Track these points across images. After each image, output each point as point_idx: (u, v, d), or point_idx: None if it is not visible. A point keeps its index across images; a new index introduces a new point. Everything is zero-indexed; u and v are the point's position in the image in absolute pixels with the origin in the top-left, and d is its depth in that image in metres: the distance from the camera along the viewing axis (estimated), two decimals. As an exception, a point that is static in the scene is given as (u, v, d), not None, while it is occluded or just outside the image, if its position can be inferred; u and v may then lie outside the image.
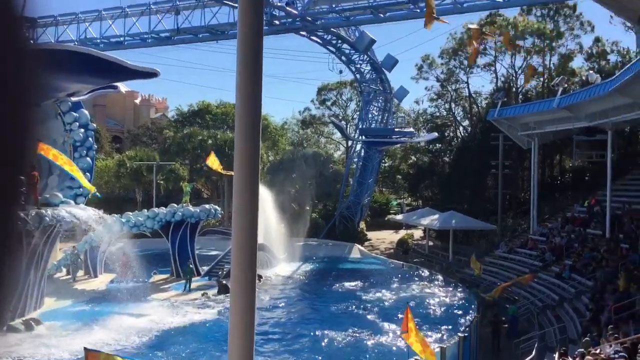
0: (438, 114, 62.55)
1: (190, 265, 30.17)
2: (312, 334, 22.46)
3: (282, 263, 38.10)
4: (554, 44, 52.91)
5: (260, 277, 31.16)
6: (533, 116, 35.92)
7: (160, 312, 24.86)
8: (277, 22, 39.52)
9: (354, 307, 27.27)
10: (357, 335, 22.34)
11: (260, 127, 2.69)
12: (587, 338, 16.33)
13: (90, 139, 28.58)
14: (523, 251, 34.17)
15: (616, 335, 15.15)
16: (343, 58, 48.36)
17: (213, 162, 31.18)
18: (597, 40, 52.53)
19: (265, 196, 34.27)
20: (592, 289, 23.36)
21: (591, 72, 38.23)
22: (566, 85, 38.29)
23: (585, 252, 27.91)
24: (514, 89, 54.06)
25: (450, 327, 23.55)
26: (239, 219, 2.64)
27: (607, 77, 30.66)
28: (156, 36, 42.78)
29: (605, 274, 23.62)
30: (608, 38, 53.07)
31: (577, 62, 54.25)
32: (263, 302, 26.91)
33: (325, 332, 22.38)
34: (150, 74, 20.24)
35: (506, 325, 23.33)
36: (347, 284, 32.77)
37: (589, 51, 52.98)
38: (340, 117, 69.28)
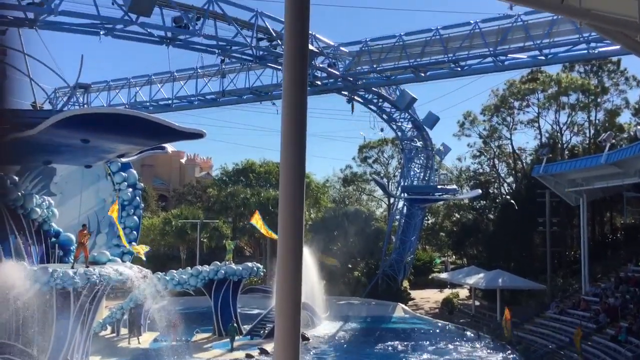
0: (481, 170, 61.95)
1: (234, 324, 30.01)
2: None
3: (324, 322, 37.51)
4: (598, 100, 52.27)
5: (306, 337, 30.64)
6: (580, 172, 35.19)
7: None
8: (319, 82, 40.40)
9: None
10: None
11: (304, 185, 2.73)
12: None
13: (137, 198, 29.35)
14: (575, 312, 32.77)
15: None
16: (384, 116, 48.80)
17: (257, 220, 31.50)
18: (644, 94, 51.72)
19: (307, 254, 34.18)
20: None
21: (639, 127, 37.45)
22: (614, 140, 37.57)
23: (642, 313, 26.61)
24: (559, 145, 53.28)
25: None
26: (283, 277, 2.65)
27: (656, 132, 29.97)
28: (202, 98, 44.20)
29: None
30: (655, 92, 52.25)
31: (624, 118, 53.39)
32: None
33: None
34: (197, 135, 20.79)
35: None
36: (391, 345, 31.91)
37: (636, 106, 52.11)
38: (381, 175, 69.31)
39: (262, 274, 37.34)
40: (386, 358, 28.80)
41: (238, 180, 63.10)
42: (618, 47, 17.11)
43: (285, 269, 2.65)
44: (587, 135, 53.63)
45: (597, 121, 53.20)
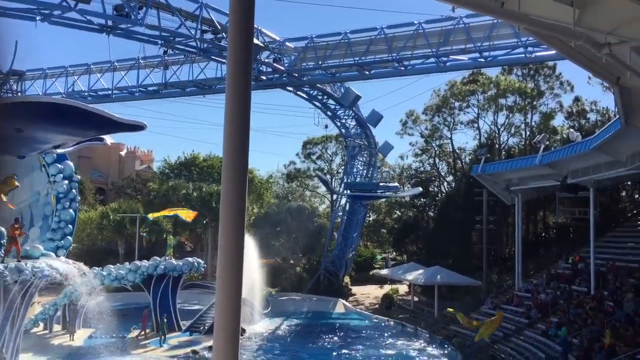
0: (422, 169, 63.17)
1: (165, 320, 29.37)
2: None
3: (265, 318, 37.43)
4: (535, 103, 54.23)
5: (244, 330, 30.48)
6: (516, 172, 36.39)
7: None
8: (264, 77, 40.20)
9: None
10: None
11: (247, 180, 2.70)
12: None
13: (74, 190, 28.35)
14: (509, 308, 33.90)
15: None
16: (328, 113, 49.05)
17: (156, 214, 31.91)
18: (577, 99, 54.04)
19: (250, 249, 33.98)
20: (579, 347, 23.15)
21: (572, 130, 39.10)
22: (548, 142, 39.04)
23: (571, 308, 27.79)
24: (497, 146, 54.97)
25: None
26: (224, 272, 2.61)
27: (587, 135, 31.36)
28: (144, 90, 43.19)
29: (591, 331, 23.48)
30: (587, 97, 54.80)
31: (558, 121, 55.61)
32: (245, 357, 26.25)
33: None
34: (137, 127, 20.29)
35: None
36: (330, 340, 32.17)
37: (569, 110, 54.38)
38: (325, 171, 69.67)
39: (203, 269, 36.90)
40: (326, 353, 29.01)
41: (180, 174, 62.04)
42: (554, 52, 17.77)
43: (225, 265, 2.62)
44: (524, 136, 55.60)
45: (532, 123, 55.22)
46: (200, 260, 35.11)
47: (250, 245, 33.93)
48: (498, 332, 30.78)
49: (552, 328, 27.10)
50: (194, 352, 27.05)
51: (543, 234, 53.02)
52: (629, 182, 45.67)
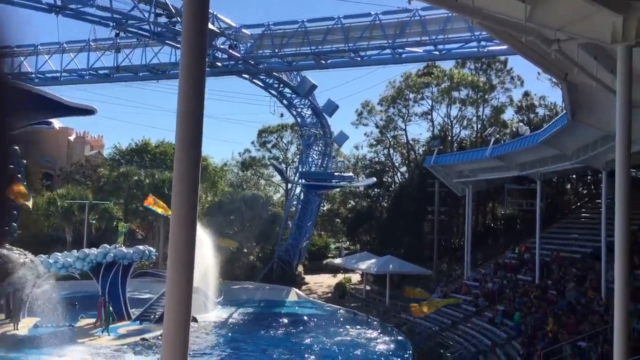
0: (377, 159, 63.72)
1: (111, 308, 28.81)
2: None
3: (217, 307, 37.21)
4: (486, 96, 55.38)
5: (195, 319, 30.23)
6: (467, 164, 37.16)
7: (84, 358, 23.68)
8: (219, 64, 39.68)
9: (290, 352, 26.82)
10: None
11: (199, 168, 2.67)
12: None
13: (19, 175, 27.44)
14: (457, 296, 34.73)
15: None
16: (284, 102, 48.86)
17: (151, 203, 30.65)
18: (527, 94, 55.48)
19: (203, 237, 33.65)
20: (523, 334, 23.92)
21: (521, 124, 40.13)
22: (498, 135, 39.97)
23: (517, 297, 28.66)
24: (449, 138, 55.92)
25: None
26: (175, 260, 2.58)
27: (536, 130, 32.27)
28: (94, 73, 42.01)
29: (535, 319, 24.28)
30: (536, 92, 56.22)
31: (508, 114, 56.97)
32: (196, 346, 26.08)
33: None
34: (87, 111, 19.78)
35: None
36: (283, 329, 32.28)
37: (519, 104, 55.78)
38: (280, 160, 69.48)
39: (154, 257, 36.33)
40: (278, 342, 29.09)
41: (132, 160, 60.73)
42: (505, 47, 18.18)
43: (177, 253, 2.59)
44: (475, 129, 56.75)
45: (484, 116, 56.41)
46: (151, 248, 34.57)
47: (203, 234, 33.60)
48: (447, 319, 31.56)
49: (499, 316, 27.91)
50: (144, 339, 26.70)
51: (492, 225, 54.38)
52: (574, 175, 47.30)
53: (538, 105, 55.07)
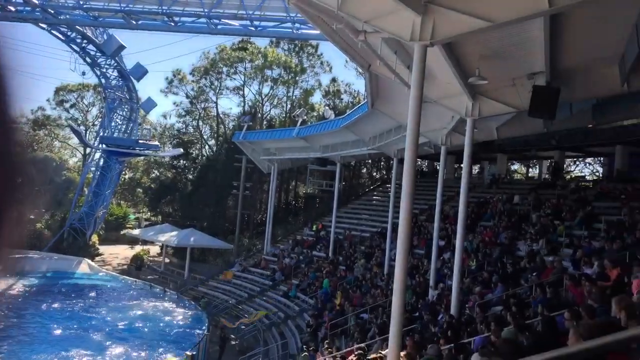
0: (185, 130, 62.31)
1: None
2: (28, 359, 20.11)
3: (-6, 278, 33.55)
4: (297, 78, 57.05)
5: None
6: (275, 143, 37.99)
7: None
8: (12, 8, 35.40)
9: (78, 326, 25.25)
10: (82, 358, 20.69)
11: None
12: (304, 353, 17.55)
13: None
14: (256, 270, 35.60)
15: (330, 349, 16.58)
16: (88, 59, 45.28)
17: None
18: (334, 80, 58.33)
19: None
20: (313, 307, 25.31)
21: (327, 108, 42.11)
22: (305, 117, 41.47)
23: (311, 272, 30.19)
24: (259, 115, 56.65)
25: (180, 344, 23.27)
26: None
27: (340, 115, 34.07)
28: None
29: (325, 293, 25.81)
30: (343, 79, 59.40)
31: (316, 98, 59.40)
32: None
33: (43, 356, 20.24)
34: None
35: (234, 343, 23.90)
36: (71, 301, 30.25)
37: (327, 89, 58.47)
38: (79, 122, 64.54)
39: None
40: (65, 314, 27.21)
41: None
42: (318, 32, 18.81)
43: None
44: (285, 109, 58.22)
45: (294, 97, 58.11)
46: None
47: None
48: (244, 293, 32.21)
49: (293, 290, 29.19)
50: None
51: (293, 203, 56.51)
52: (370, 161, 50.99)
53: (343, 92, 58.27)
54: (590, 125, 19.32)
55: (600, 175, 36.04)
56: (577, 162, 45.99)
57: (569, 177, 34.74)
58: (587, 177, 38.84)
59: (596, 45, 11.66)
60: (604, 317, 6.92)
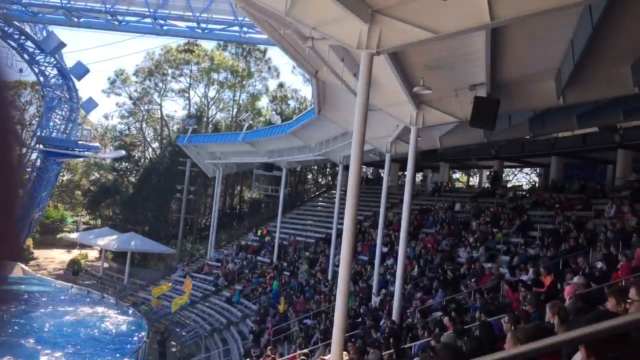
0: (128, 132, 60.87)
1: None
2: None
3: None
4: (244, 82, 56.73)
5: None
6: (220, 146, 37.61)
7: None
8: (-56, -1, 33.80)
9: (9, 334, 24.17)
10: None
11: None
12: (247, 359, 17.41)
13: None
14: (199, 276, 35.03)
15: (272, 355, 16.48)
16: (25, 56, 43.57)
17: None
18: (281, 85, 58.29)
19: None
20: (257, 312, 25.13)
21: (273, 113, 42.05)
22: (251, 122, 41.23)
23: (254, 278, 29.97)
24: (205, 118, 55.98)
25: (119, 350, 22.65)
26: None
27: (287, 120, 34.07)
28: None
29: (268, 298, 25.67)
30: (290, 85, 59.41)
31: (264, 103, 59.20)
32: None
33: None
34: None
35: (174, 350, 23.44)
36: (3, 308, 28.95)
37: (274, 94, 58.34)
38: (15, 120, 61.96)
39: None
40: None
41: None
42: (266, 36, 18.78)
43: None
44: (231, 113, 57.76)
45: (241, 101, 57.73)
46: None
47: None
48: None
49: (236, 295, 28.89)
50: None
51: (238, 207, 56.05)
52: (315, 167, 51.19)
53: (290, 98, 58.30)
54: (528, 137, 20.04)
55: (536, 185, 37.39)
56: (515, 172, 47.59)
57: (507, 186, 35.89)
58: (524, 187, 40.19)
59: (534, 59, 12.12)
60: (538, 321, 7.18)
